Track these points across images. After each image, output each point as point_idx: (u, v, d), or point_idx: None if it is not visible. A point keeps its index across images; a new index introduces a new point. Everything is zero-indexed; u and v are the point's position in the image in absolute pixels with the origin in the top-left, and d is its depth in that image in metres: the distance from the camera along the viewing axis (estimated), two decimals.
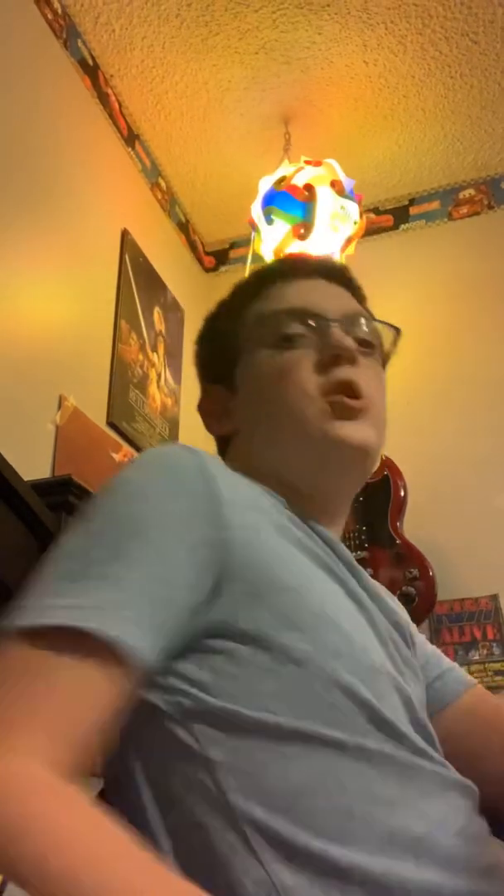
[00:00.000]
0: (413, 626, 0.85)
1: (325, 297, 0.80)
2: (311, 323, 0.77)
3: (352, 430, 0.73)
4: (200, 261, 2.93)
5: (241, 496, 0.67)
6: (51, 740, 0.52)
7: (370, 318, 0.82)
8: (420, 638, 0.87)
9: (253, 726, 0.58)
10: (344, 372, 0.74)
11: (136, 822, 0.57)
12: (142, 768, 0.60)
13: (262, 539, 0.65)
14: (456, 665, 0.88)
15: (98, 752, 0.57)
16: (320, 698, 0.60)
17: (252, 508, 0.67)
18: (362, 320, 0.80)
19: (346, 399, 0.73)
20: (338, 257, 2.27)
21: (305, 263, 0.87)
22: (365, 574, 0.77)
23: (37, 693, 0.54)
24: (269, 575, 0.63)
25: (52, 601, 0.56)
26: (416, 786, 0.60)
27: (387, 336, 0.84)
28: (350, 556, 0.76)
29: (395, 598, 0.87)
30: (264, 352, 0.78)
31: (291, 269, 0.85)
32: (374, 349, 0.80)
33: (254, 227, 2.32)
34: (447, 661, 0.87)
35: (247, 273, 2.48)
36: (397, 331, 0.82)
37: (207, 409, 0.85)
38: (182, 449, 0.68)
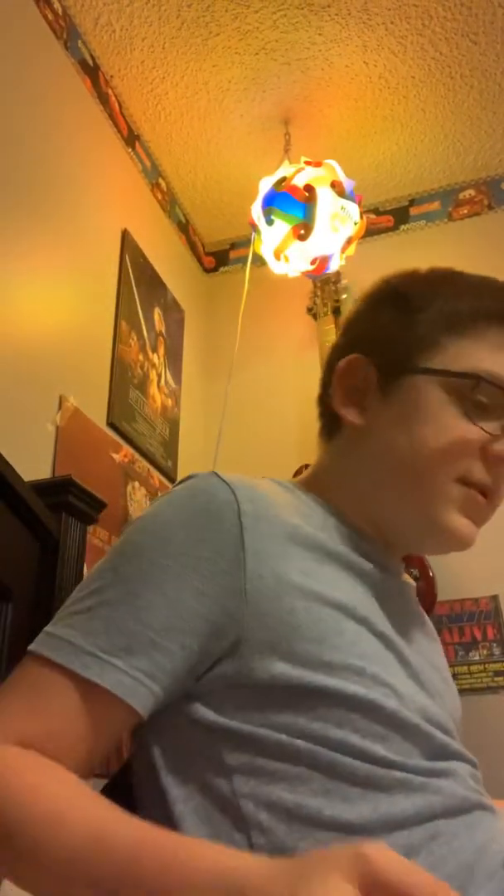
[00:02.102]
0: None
1: None
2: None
3: (466, 528, 0.73)
4: (200, 261, 2.93)
5: (274, 539, 0.66)
6: (29, 734, 0.59)
7: None
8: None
9: (270, 746, 0.62)
10: (494, 476, 0.72)
11: (153, 808, 0.64)
12: (163, 761, 0.65)
13: (285, 588, 0.64)
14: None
15: (90, 757, 0.61)
16: (339, 721, 0.62)
17: (284, 552, 0.66)
18: None
19: (479, 497, 0.72)
20: (338, 258, 2.27)
21: None
22: (406, 608, 0.79)
23: (35, 707, 0.60)
24: (288, 625, 0.63)
25: (64, 633, 0.63)
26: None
27: None
28: (400, 593, 0.78)
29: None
30: (450, 405, 0.72)
31: None
32: None
33: (254, 227, 2.32)
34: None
35: (246, 279, 2.42)
36: None
37: (345, 379, 0.78)
38: (220, 485, 0.67)
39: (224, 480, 0.68)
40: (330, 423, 0.81)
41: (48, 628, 0.64)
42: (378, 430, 0.75)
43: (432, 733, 0.66)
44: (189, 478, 0.71)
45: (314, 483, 0.80)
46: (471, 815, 0.64)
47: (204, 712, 0.63)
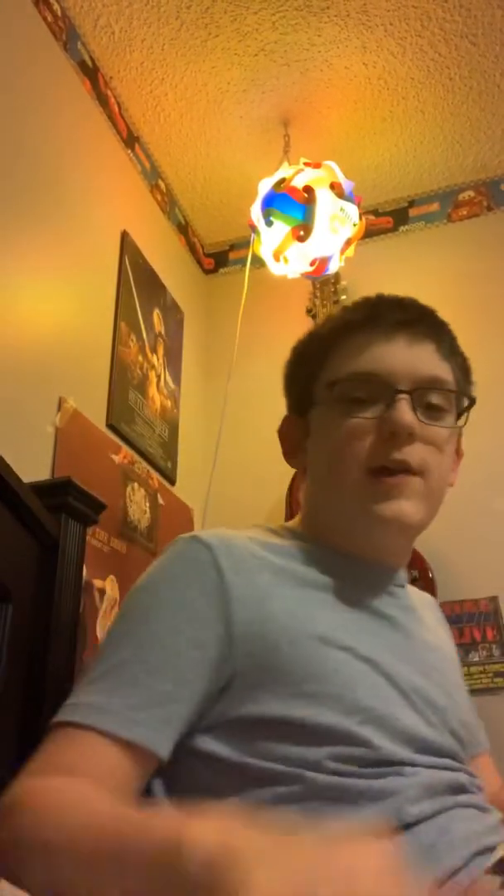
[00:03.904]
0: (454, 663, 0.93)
1: (401, 361, 0.83)
2: (380, 391, 0.82)
3: (386, 509, 0.79)
4: (200, 262, 2.93)
5: (254, 585, 0.75)
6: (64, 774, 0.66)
7: (444, 384, 0.85)
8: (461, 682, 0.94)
9: (256, 772, 0.69)
10: (396, 451, 0.80)
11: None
12: (162, 789, 0.73)
13: (269, 629, 0.73)
14: (481, 725, 0.96)
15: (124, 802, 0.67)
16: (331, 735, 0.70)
17: (267, 595, 0.75)
18: (436, 387, 0.84)
19: (386, 479, 0.79)
20: (337, 259, 2.27)
21: (392, 313, 0.87)
22: (403, 617, 0.84)
23: (73, 769, 0.66)
24: (273, 662, 0.72)
25: (87, 699, 0.70)
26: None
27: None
28: (393, 600, 0.85)
29: (441, 631, 0.96)
30: (334, 411, 0.84)
31: (375, 318, 0.86)
32: (444, 412, 0.85)
33: (253, 228, 2.32)
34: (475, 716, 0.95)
35: (246, 280, 2.43)
36: (472, 401, 0.89)
37: (284, 438, 0.94)
38: (198, 547, 0.77)
39: (202, 541, 0.77)
40: (300, 476, 0.95)
41: (71, 700, 0.71)
42: (311, 462, 0.89)
43: (418, 756, 0.72)
44: (174, 543, 0.80)
45: (300, 523, 0.91)
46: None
47: (200, 743, 0.71)
